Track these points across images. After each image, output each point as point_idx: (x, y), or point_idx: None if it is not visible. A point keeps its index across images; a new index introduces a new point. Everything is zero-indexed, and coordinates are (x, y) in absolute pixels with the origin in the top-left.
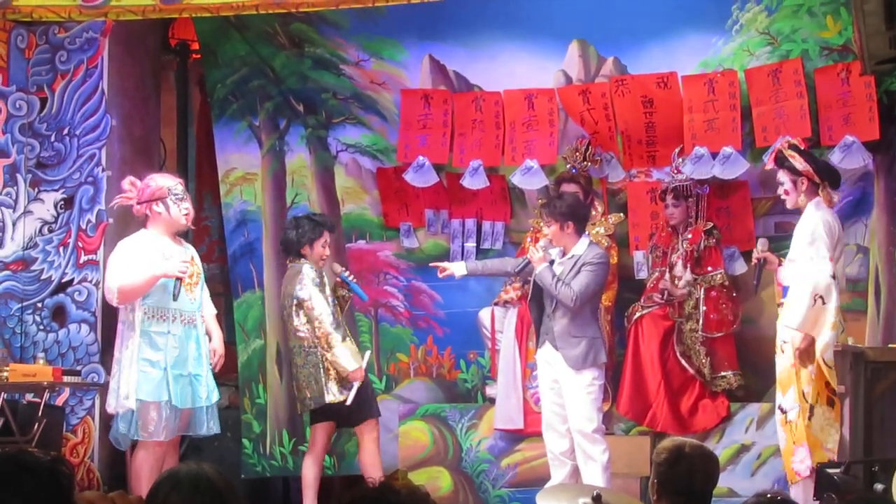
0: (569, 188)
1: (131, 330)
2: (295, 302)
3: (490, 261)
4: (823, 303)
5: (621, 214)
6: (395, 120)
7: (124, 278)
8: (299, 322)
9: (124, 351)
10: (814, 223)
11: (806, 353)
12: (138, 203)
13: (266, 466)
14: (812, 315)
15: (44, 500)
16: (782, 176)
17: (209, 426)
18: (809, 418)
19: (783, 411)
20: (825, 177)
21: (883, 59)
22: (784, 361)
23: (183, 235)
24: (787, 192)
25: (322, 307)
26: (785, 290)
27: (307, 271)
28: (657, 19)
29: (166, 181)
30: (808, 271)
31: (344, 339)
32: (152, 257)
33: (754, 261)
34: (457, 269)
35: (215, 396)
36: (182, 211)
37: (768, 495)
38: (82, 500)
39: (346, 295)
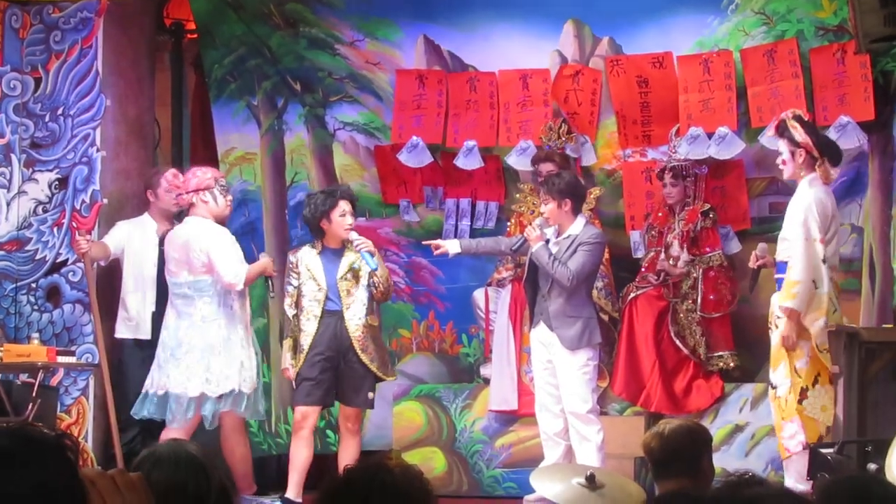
0: (545, 167)
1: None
2: None
3: (484, 239)
4: (815, 287)
5: (601, 188)
6: (391, 99)
7: (242, 264)
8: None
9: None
10: (807, 202)
11: (791, 341)
12: (186, 193)
13: (272, 445)
14: (807, 300)
15: (50, 474)
16: (781, 145)
17: (256, 409)
18: (801, 401)
19: (773, 387)
20: (825, 152)
21: (878, 38)
22: (774, 339)
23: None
24: (784, 162)
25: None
26: (779, 265)
27: (290, 258)
28: None
29: (214, 171)
30: (800, 252)
31: (286, 337)
32: (236, 242)
33: (754, 266)
34: (451, 246)
35: (258, 380)
36: (227, 201)
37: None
38: (83, 477)
39: (358, 268)
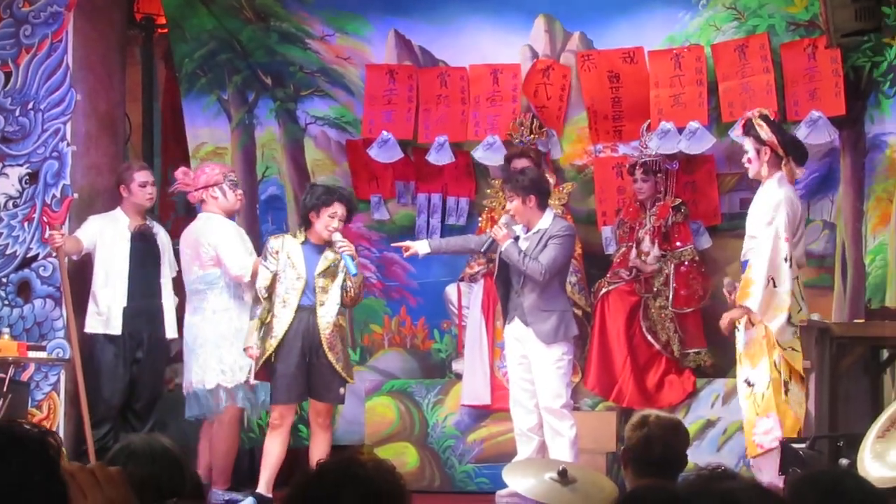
0: (520, 163)
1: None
2: None
3: (453, 238)
4: (774, 286)
5: (573, 183)
6: (362, 94)
7: (249, 258)
8: None
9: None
10: (776, 200)
11: (730, 327)
12: (195, 189)
13: (244, 439)
14: (766, 298)
15: (32, 471)
16: (747, 144)
17: None
18: (785, 394)
19: (749, 384)
20: (790, 151)
21: (849, 32)
22: (753, 334)
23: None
24: (749, 161)
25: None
26: (744, 264)
27: (270, 242)
28: None
29: (222, 167)
30: (763, 250)
31: (254, 318)
32: (244, 237)
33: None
34: (420, 247)
35: None
36: (237, 196)
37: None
38: (64, 471)
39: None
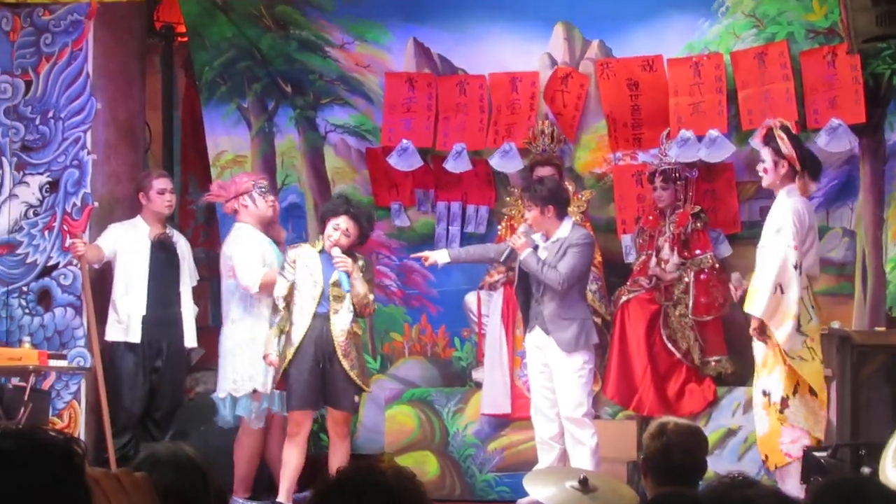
0: (544, 171)
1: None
2: None
3: (472, 247)
4: (782, 292)
5: (591, 191)
6: (381, 102)
7: (260, 270)
8: None
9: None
10: (783, 210)
11: (759, 334)
12: (226, 200)
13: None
14: (772, 304)
15: (57, 477)
16: (765, 153)
17: None
18: (782, 410)
19: (766, 394)
20: (806, 166)
21: (869, 37)
22: (764, 345)
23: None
24: (765, 171)
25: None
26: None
27: (289, 252)
28: (642, 2)
29: (251, 176)
30: (771, 259)
31: (273, 326)
32: (266, 248)
33: (735, 299)
34: (439, 257)
35: None
36: (268, 203)
37: (730, 476)
38: (88, 477)
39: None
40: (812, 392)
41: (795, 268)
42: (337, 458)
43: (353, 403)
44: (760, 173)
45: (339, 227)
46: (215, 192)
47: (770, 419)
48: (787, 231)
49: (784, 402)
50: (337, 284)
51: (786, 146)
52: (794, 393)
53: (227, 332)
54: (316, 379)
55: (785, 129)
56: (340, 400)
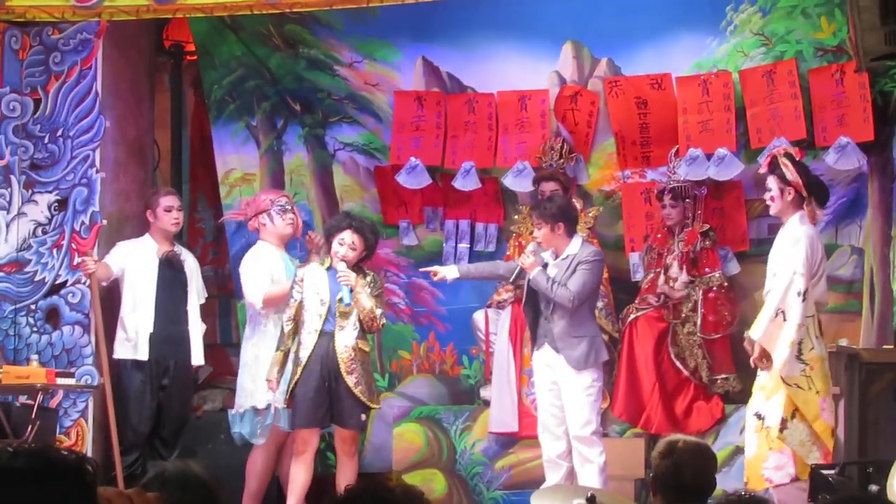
0: (548, 186)
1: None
2: None
3: (482, 264)
4: (784, 318)
5: (598, 208)
6: (390, 120)
7: (265, 287)
8: None
9: (262, 349)
10: (796, 236)
11: (760, 362)
12: (247, 219)
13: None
14: (771, 329)
15: (68, 496)
16: (771, 182)
17: None
18: (781, 430)
19: (760, 417)
20: (813, 192)
21: (878, 56)
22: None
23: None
24: (772, 199)
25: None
26: None
27: (297, 272)
28: (651, 20)
29: (270, 195)
30: (779, 285)
31: (277, 349)
32: (277, 265)
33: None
34: (449, 272)
35: None
36: (286, 221)
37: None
38: (100, 497)
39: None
40: (807, 419)
41: (799, 295)
42: (345, 477)
43: (360, 422)
44: (768, 202)
45: (345, 242)
46: (241, 210)
47: (759, 442)
48: (798, 258)
49: (784, 423)
50: (341, 300)
51: (791, 173)
52: (793, 417)
53: (242, 350)
54: (322, 397)
55: (789, 156)
56: (346, 418)
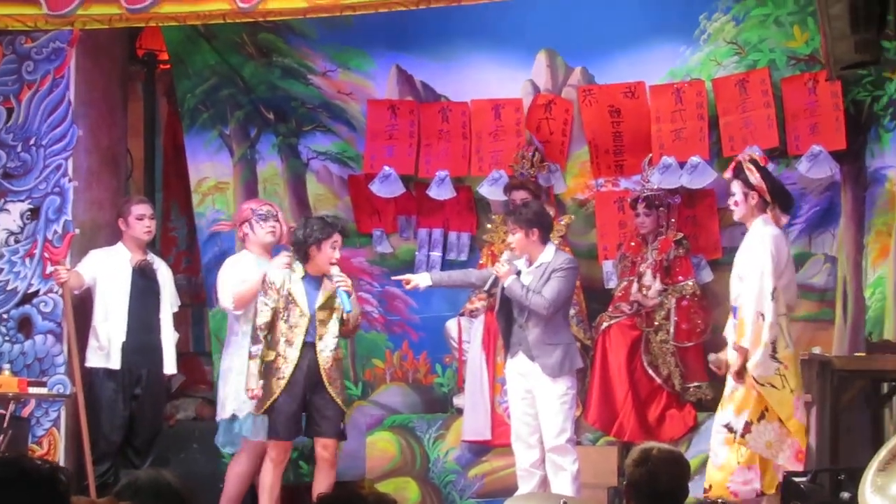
0: (519, 195)
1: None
2: None
3: (454, 272)
4: (763, 319)
5: (570, 216)
6: (364, 129)
7: (235, 286)
8: None
9: (235, 360)
10: (759, 239)
11: (738, 377)
12: (233, 228)
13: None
14: (754, 331)
15: None
16: (735, 186)
17: None
18: (743, 435)
19: (730, 430)
20: (776, 197)
21: (848, 64)
22: (734, 380)
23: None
24: (736, 203)
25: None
26: (734, 310)
27: (271, 277)
28: (625, 29)
29: (252, 203)
30: (750, 288)
31: (254, 357)
32: (253, 273)
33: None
34: (421, 280)
35: None
36: (266, 229)
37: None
38: None
39: (333, 301)
40: (781, 420)
41: (771, 294)
42: (322, 486)
43: (342, 430)
44: (732, 206)
45: (337, 244)
46: (230, 222)
47: (728, 455)
48: (765, 259)
49: (747, 427)
50: (323, 308)
51: (754, 177)
52: (760, 419)
53: (222, 359)
54: (301, 408)
55: (753, 161)
56: (328, 428)
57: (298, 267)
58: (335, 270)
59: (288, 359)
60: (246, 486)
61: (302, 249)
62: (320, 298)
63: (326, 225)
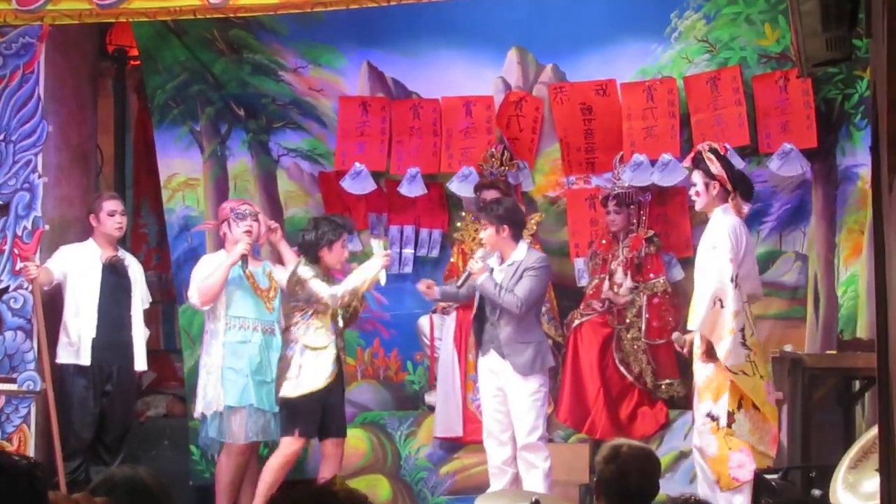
0: (489, 194)
1: (214, 338)
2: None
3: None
4: (721, 306)
5: (541, 213)
6: (335, 126)
7: (201, 281)
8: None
9: (207, 358)
10: (719, 227)
11: (707, 356)
12: (216, 228)
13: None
14: (710, 318)
15: (19, 501)
16: (696, 177)
17: None
18: (729, 425)
19: (713, 418)
20: (738, 186)
21: (819, 61)
22: (713, 367)
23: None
24: (697, 194)
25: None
26: None
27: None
28: (596, 26)
29: (231, 203)
30: (709, 273)
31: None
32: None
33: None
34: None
35: None
36: (242, 228)
37: (682, 498)
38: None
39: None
40: (756, 406)
41: (732, 281)
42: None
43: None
44: (693, 197)
45: (346, 244)
46: (215, 222)
47: (719, 443)
48: (724, 247)
49: (730, 417)
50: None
51: (715, 167)
52: (739, 408)
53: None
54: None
55: (713, 150)
56: (341, 425)
57: (312, 268)
58: (378, 247)
59: (322, 372)
60: (229, 484)
61: (312, 251)
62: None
63: (337, 226)
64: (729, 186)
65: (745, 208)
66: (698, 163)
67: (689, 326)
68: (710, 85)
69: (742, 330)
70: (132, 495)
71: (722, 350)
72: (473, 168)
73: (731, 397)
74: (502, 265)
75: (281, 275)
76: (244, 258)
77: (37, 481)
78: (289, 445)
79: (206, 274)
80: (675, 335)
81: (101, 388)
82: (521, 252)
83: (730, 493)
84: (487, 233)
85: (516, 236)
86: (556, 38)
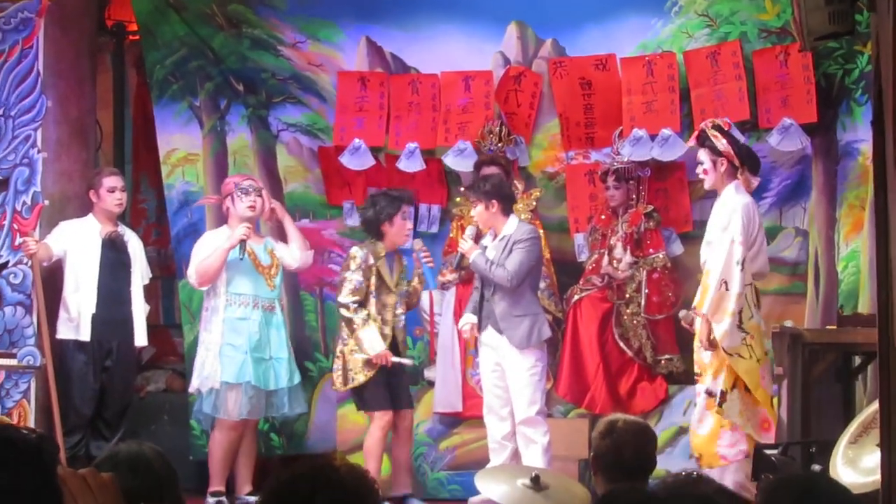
0: (489, 170)
1: (215, 314)
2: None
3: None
4: (727, 289)
5: (540, 189)
6: (334, 101)
7: (199, 262)
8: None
9: (207, 334)
10: (731, 207)
11: (708, 345)
12: (219, 202)
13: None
14: (716, 299)
15: (28, 475)
16: (703, 155)
17: (292, 406)
18: (720, 404)
19: (712, 395)
20: (745, 161)
21: (821, 35)
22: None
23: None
24: (705, 172)
25: (347, 289)
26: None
27: (354, 252)
28: (596, 1)
29: (236, 178)
30: (718, 255)
31: (367, 322)
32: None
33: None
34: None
35: (297, 378)
36: (245, 203)
37: (684, 473)
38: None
39: (416, 286)
40: (748, 389)
41: (738, 263)
42: (404, 456)
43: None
44: (701, 175)
45: (407, 213)
46: (218, 196)
47: (713, 420)
48: (735, 227)
49: (723, 396)
50: (400, 283)
51: (721, 143)
52: (733, 388)
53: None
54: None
55: (717, 127)
56: (408, 398)
57: (379, 245)
58: (418, 244)
59: (384, 335)
60: (222, 457)
61: (374, 227)
62: (396, 272)
63: (394, 199)
64: (737, 162)
65: (755, 182)
66: (703, 141)
67: (699, 309)
68: (711, 59)
69: (740, 312)
70: (133, 473)
71: (719, 331)
72: (469, 143)
73: (727, 377)
74: (494, 241)
75: (283, 252)
76: (243, 242)
77: (45, 454)
78: (382, 417)
79: (205, 254)
80: (682, 313)
81: (101, 364)
82: (512, 226)
83: (719, 471)
84: (478, 210)
85: (506, 210)
86: (555, 12)
